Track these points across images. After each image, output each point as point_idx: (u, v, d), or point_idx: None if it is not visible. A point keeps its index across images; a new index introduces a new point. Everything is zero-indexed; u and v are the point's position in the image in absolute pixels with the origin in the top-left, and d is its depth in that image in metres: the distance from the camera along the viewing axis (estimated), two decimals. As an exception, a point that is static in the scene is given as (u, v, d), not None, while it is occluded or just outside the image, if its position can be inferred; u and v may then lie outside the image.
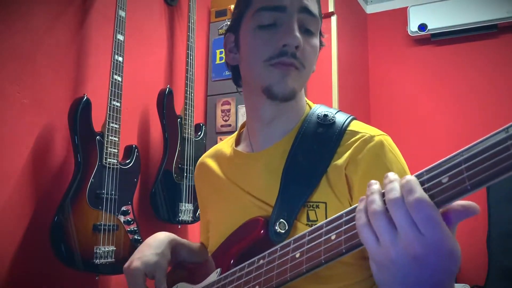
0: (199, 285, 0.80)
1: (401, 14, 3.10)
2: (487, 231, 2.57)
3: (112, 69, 1.51)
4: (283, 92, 0.76)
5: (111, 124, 1.49)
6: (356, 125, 0.79)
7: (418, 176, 0.48)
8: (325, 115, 0.80)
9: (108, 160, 1.48)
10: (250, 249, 0.71)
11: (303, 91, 0.86)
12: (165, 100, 1.80)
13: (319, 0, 0.83)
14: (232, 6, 1.88)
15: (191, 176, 1.85)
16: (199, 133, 1.97)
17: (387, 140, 0.76)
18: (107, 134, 1.48)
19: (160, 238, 0.88)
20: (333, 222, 0.56)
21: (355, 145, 0.75)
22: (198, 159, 1.04)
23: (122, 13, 1.58)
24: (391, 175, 0.49)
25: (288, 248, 0.61)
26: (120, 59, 1.54)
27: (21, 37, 1.41)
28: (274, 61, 0.75)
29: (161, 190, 1.76)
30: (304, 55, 0.77)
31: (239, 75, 0.87)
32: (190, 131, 1.89)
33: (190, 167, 1.86)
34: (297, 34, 0.74)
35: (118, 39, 1.54)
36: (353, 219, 0.52)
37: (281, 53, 0.75)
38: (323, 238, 0.56)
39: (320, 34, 0.84)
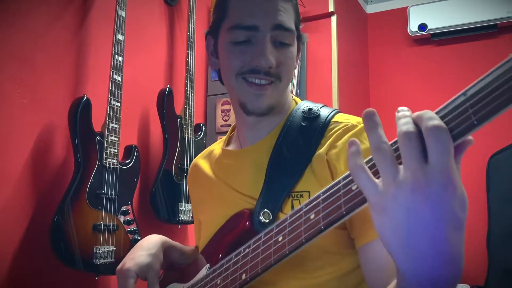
0: (189, 283, 0.80)
1: (401, 14, 3.10)
2: (487, 231, 2.57)
3: (112, 69, 1.51)
4: (259, 111, 0.79)
5: (111, 124, 1.49)
6: (340, 117, 0.81)
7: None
8: (310, 109, 0.82)
9: (108, 160, 1.48)
10: (237, 242, 0.72)
11: (288, 90, 0.88)
12: (165, 100, 1.80)
13: (296, 8, 0.82)
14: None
15: (191, 176, 1.86)
16: (199, 133, 1.97)
17: None
18: (107, 134, 1.48)
19: (153, 240, 0.89)
20: (311, 203, 0.57)
21: (336, 133, 0.76)
22: (198, 159, 1.05)
23: (122, 13, 1.58)
24: (404, 110, 0.46)
25: (271, 234, 0.63)
26: (120, 59, 1.54)
27: (21, 37, 1.41)
28: (246, 75, 0.77)
29: (161, 190, 1.76)
30: (280, 68, 0.78)
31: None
32: (190, 131, 1.89)
33: (190, 167, 1.86)
34: (269, 56, 0.75)
35: (118, 39, 1.54)
36: (329, 197, 0.53)
37: (253, 70, 0.76)
38: (303, 218, 0.57)
39: (299, 38, 0.84)
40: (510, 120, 2.88)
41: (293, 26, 0.79)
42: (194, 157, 1.87)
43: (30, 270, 1.37)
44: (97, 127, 1.48)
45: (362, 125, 0.76)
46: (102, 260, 1.41)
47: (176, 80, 2.08)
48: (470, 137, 0.43)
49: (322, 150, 0.76)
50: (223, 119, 2.24)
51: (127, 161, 1.60)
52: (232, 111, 2.22)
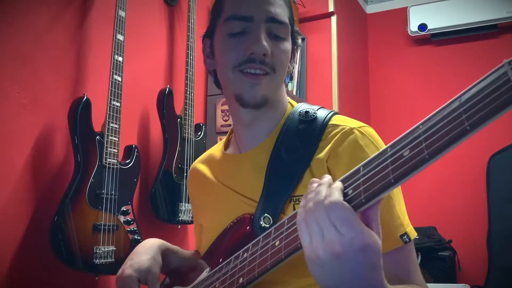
0: (189, 286, 0.80)
1: (401, 14, 3.10)
2: (487, 231, 2.57)
3: (112, 69, 1.51)
4: (254, 101, 0.79)
5: (111, 124, 1.49)
6: (338, 119, 0.81)
7: (382, 153, 0.51)
8: (307, 112, 0.82)
9: (108, 160, 1.48)
10: (238, 246, 0.73)
11: (284, 90, 0.88)
12: (165, 100, 1.80)
13: (290, 6, 0.84)
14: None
15: (191, 176, 1.86)
16: (199, 133, 1.97)
17: (368, 131, 0.77)
18: (107, 134, 1.48)
19: (150, 244, 0.89)
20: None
21: (335, 138, 0.76)
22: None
23: (122, 13, 1.58)
24: (324, 178, 0.55)
25: (269, 238, 0.63)
26: (120, 59, 1.54)
27: (21, 37, 1.41)
28: (242, 66, 0.78)
29: (161, 190, 1.76)
30: (274, 60, 0.79)
31: (219, 79, 0.89)
32: (190, 131, 1.89)
33: (190, 167, 1.86)
34: (264, 42, 0.76)
35: (118, 39, 1.54)
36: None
37: (249, 59, 0.77)
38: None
39: (293, 36, 0.85)
40: (510, 121, 2.88)
41: (287, 20, 0.80)
42: (194, 157, 1.88)
43: (30, 270, 1.37)
44: (97, 127, 1.48)
45: (359, 129, 0.77)
46: (102, 260, 1.41)
47: (176, 80, 2.08)
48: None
49: (322, 155, 0.76)
50: (223, 119, 2.24)
51: (127, 161, 1.60)
52: (232, 111, 2.22)
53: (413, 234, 0.74)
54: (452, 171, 2.80)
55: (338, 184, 0.52)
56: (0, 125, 1.33)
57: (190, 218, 1.85)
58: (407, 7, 2.99)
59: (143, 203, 1.78)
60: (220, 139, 2.22)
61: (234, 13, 0.79)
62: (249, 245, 0.67)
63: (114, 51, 1.52)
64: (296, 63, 2.45)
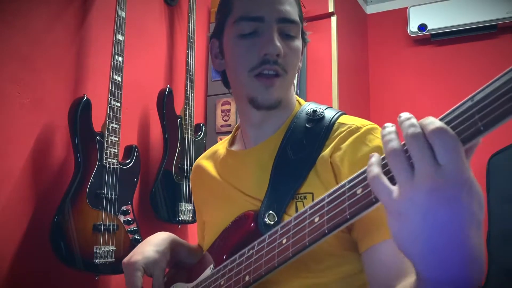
0: (194, 283, 0.80)
1: (401, 14, 3.10)
2: (487, 231, 2.57)
3: (112, 69, 1.51)
4: (268, 103, 0.79)
5: (111, 124, 1.49)
6: (345, 119, 0.81)
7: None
8: (314, 111, 0.82)
9: (108, 160, 1.48)
10: (242, 243, 0.72)
11: (292, 89, 0.88)
12: (165, 100, 1.80)
13: (299, 3, 0.84)
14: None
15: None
16: (199, 133, 1.97)
17: (375, 129, 0.77)
18: (107, 134, 1.48)
19: (162, 237, 0.89)
20: (316, 205, 0.57)
21: (341, 135, 0.76)
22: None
23: (122, 13, 1.58)
24: (406, 114, 0.46)
25: (275, 236, 0.63)
26: (120, 59, 1.54)
27: (21, 37, 1.41)
28: (257, 70, 0.77)
29: (161, 190, 1.76)
30: (286, 60, 0.78)
31: (227, 79, 0.89)
32: (190, 131, 1.89)
33: (190, 167, 1.86)
34: (277, 43, 0.76)
35: (118, 39, 1.55)
36: (334, 200, 0.53)
37: (263, 61, 0.77)
38: (307, 221, 0.57)
39: (303, 33, 0.85)
40: (510, 121, 2.87)
41: (298, 19, 0.81)
42: (194, 157, 1.88)
43: (30, 270, 1.37)
44: (97, 127, 1.48)
45: (367, 127, 0.76)
46: (102, 260, 1.41)
47: (176, 80, 2.08)
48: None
49: (326, 152, 0.75)
50: (223, 119, 2.24)
51: (127, 161, 1.60)
52: (232, 111, 2.22)
53: None
54: (452, 171, 2.78)
55: (432, 118, 0.44)
56: (0, 125, 1.33)
57: (190, 218, 1.85)
58: (407, 7, 2.99)
59: (143, 203, 1.78)
60: (220, 139, 2.22)
61: (244, 13, 0.78)
62: (254, 243, 0.67)
63: (114, 51, 1.52)
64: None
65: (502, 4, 2.72)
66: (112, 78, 1.51)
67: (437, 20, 2.91)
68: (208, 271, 0.78)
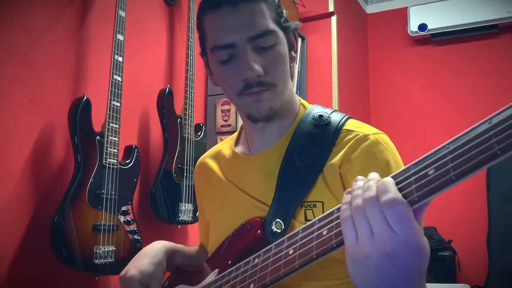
0: (197, 286, 0.80)
1: (401, 14, 3.10)
2: (487, 231, 2.57)
3: (112, 69, 1.51)
4: (262, 115, 0.78)
5: (111, 124, 1.49)
6: (352, 124, 0.80)
7: (405, 170, 0.49)
8: (320, 116, 0.81)
9: (108, 160, 1.48)
10: (248, 250, 0.72)
11: (292, 91, 0.87)
12: (165, 100, 1.80)
13: (272, 2, 0.79)
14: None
15: (191, 176, 1.85)
16: (199, 133, 1.97)
17: (383, 138, 0.76)
18: (107, 134, 1.48)
19: (157, 248, 0.89)
20: (325, 218, 0.57)
21: (349, 144, 0.75)
22: (198, 159, 1.04)
23: (122, 13, 1.58)
24: (371, 175, 0.52)
25: (282, 246, 0.62)
26: (120, 59, 1.54)
27: (21, 36, 1.41)
28: (244, 92, 0.77)
29: (161, 190, 1.76)
30: (270, 75, 0.77)
31: None
32: (190, 131, 1.89)
33: (190, 167, 1.86)
34: (253, 65, 0.74)
35: (118, 39, 1.54)
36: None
37: (247, 86, 0.76)
38: (315, 233, 0.57)
39: (284, 28, 0.81)
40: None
41: (270, 27, 0.77)
42: (194, 157, 1.88)
43: (30, 270, 1.37)
44: (97, 127, 1.48)
45: (374, 137, 0.76)
46: (102, 260, 1.41)
47: (176, 80, 2.08)
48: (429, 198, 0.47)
49: (335, 160, 0.75)
50: (223, 119, 2.24)
51: (127, 161, 1.60)
52: (232, 111, 2.23)
53: None
54: (452, 171, 2.78)
55: (389, 179, 0.49)
56: (0, 125, 1.33)
57: (190, 218, 1.85)
58: (407, 7, 2.99)
59: (143, 203, 1.78)
60: (220, 139, 2.22)
61: (216, 43, 0.77)
62: (260, 252, 0.66)
63: (114, 51, 1.52)
64: (297, 63, 2.45)
65: (502, 4, 2.72)
66: (112, 78, 1.51)
67: (437, 20, 2.91)
68: (212, 276, 0.78)
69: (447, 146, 0.45)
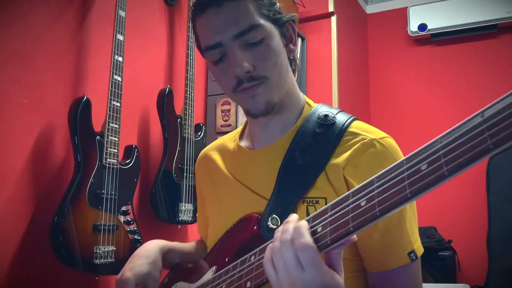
0: (195, 284, 0.80)
1: (401, 14, 3.10)
2: (487, 231, 2.57)
3: (112, 69, 1.51)
4: (259, 110, 0.78)
5: (111, 124, 1.49)
6: (357, 126, 0.79)
7: (398, 165, 0.49)
8: (326, 115, 0.81)
9: (108, 160, 1.48)
10: (244, 246, 0.72)
11: (296, 89, 0.86)
12: (165, 100, 1.80)
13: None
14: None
15: (191, 176, 1.85)
16: (199, 133, 1.97)
17: (389, 143, 0.76)
18: (107, 134, 1.48)
19: (151, 247, 0.89)
20: (320, 216, 0.57)
21: (354, 147, 0.75)
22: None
23: (122, 13, 1.58)
24: (290, 217, 0.58)
25: None
26: (120, 59, 1.54)
27: (21, 36, 1.41)
28: (238, 89, 0.78)
29: (161, 190, 1.76)
30: (261, 69, 0.77)
31: None
32: (190, 131, 1.89)
33: (190, 167, 1.86)
34: (241, 62, 0.75)
35: (118, 39, 1.55)
36: (338, 211, 0.55)
37: (239, 82, 0.77)
38: (310, 231, 0.57)
39: (276, 20, 0.80)
40: (510, 120, 2.87)
41: (256, 21, 0.76)
42: (194, 157, 1.88)
43: (30, 270, 1.37)
44: (97, 127, 1.48)
45: (380, 142, 0.75)
46: (102, 260, 1.41)
47: (176, 80, 2.08)
48: (354, 237, 0.53)
49: (338, 161, 0.74)
50: (223, 119, 2.24)
51: (127, 161, 1.60)
52: (232, 111, 2.23)
53: (420, 251, 0.74)
54: (452, 171, 2.78)
55: (304, 224, 0.55)
56: (0, 125, 1.33)
57: (190, 218, 1.85)
58: (407, 7, 2.99)
59: (143, 203, 1.78)
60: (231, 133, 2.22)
61: (205, 44, 0.79)
62: (256, 250, 0.67)
63: (114, 51, 1.52)
64: (298, 57, 2.45)
65: (502, 4, 2.72)
66: (112, 78, 1.51)
67: (437, 20, 2.91)
68: (210, 274, 0.78)
69: (440, 140, 0.45)
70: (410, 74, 3.06)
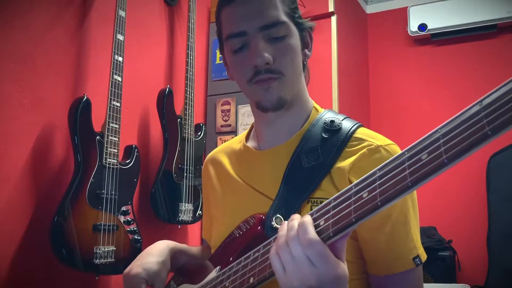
0: (199, 284, 0.80)
1: (401, 14, 3.10)
2: (487, 231, 2.57)
3: (112, 69, 1.51)
4: (271, 103, 0.80)
5: (111, 124, 1.49)
6: (363, 133, 0.80)
7: (399, 156, 0.50)
8: (332, 121, 0.82)
9: (108, 160, 1.48)
10: (249, 246, 0.73)
11: (305, 91, 0.87)
12: (165, 100, 1.80)
13: None
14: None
15: (191, 176, 1.85)
16: (199, 133, 1.97)
17: (394, 150, 0.77)
18: (107, 134, 1.48)
19: (162, 247, 0.89)
20: (321, 209, 0.57)
21: (360, 152, 0.76)
22: (198, 159, 1.04)
23: (122, 13, 1.58)
24: (294, 216, 0.58)
25: None
26: (120, 59, 1.54)
27: (21, 37, 1.41)
28: (254, 80, 0.80)
29: (161, 190, 1.76)
30: (279, 64, 0.79)
31: None
32: (190, 131, 1.89)
33: (190, 167, 1.86)
34: (263, 53, 0.77)
35: (118, 39, 1.54)
36: (340, 203, 0.55)
37: (256, 73, 0.79)
38: (314, 224, 0.57)
39: (298, 24, 0.83)
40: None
41: (282, 18, 0.79)
42: (194, 157, 1.88)
43: (30, 270, 1.37)
44: (97, 127, 1.48)
45: (386, 148, 0.76)
46: (102, 260, 1.41)
47: (176, 80, 2.08)
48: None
49: (344, 165, 0.75)
50: (223, 119, 2.24)
51: (127, 161, 1.60)
52: (232, 111, 2.23)
53: (424, 257, 0.75)
54: (452, 171, 2.79)
55: (308, 219, 0.56)
56: (0, 125, 1.33)
57: (190, 218, 1.85)
58: (407, 7, 2.98)
59: (143, 203, 1.78)
60: (220, 139, 2.22)
61: (229, 32, 0.81)
62: (260, 246, 0.67)
63: (114, 51, 1.52)
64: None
65: (502, 4, 2.72)
66: (112, 78, 1.51)
67: (437, 20, 2.91)
68: (214, 273, 0.79)
69: (439, 130, 0.46)
70: (410, 74, 3.06)
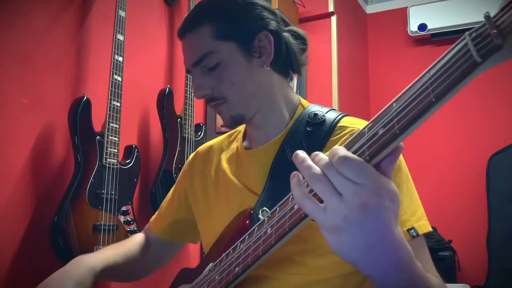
0: (194, 282, 0.82)
1: (401, 14, 3.10)
2: (487, 231, 2.57)
3: (112, 69, 1.51)
4: (226, 123, 0.86)
5: (111, 124, 1.49)
6: (347, 121, 0.82)
7: (361, 134, 0.51)
8: (315, 114, 0.84)
9: (108, 160, 1.48)
10: (237, 240, 0.74)
11: (286, 94, 0.88)
12: (165, 100, 1.80)
13: (214, 19, 0.82)
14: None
15: (191, 176, 1.85)
16: (199, 133, 1.97)
17: None
18: (107, 134, 1.48)
19: (80, 272, 0.88)
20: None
21: (343, 138, 0.78)
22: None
23: (122, 13, 1.58)
24: (315, 153, 0.51)
25: (262, 227, 0.65)
26: (120, 59, 1.54)
27: (21, 37, 1.41)
28: (209, 105, 0.88)
29: (161, 190, 1.76)
30: (218, 92, 0.83)
31: None
32: (190, 131, 1.89)
33: (190, 167, 1.86)
34: (198, 89, 0.84)
35: (118, 39, 1.55)
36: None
37: (206, 100, 0.86)
38: (288, 208, 0.59)
39: (236, 35, 0.82)
40: (510, 121, 2.88)
41: (208, 48, 0.82)
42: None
43: (30, 270, 1.37)
44: (97, 127, 1.48)
45: None
46: (102, 260, 1.41)
47: (176, 80, 2.08)
48: (400, 144, 0.47)
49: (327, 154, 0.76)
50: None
51: (127, 161, 1.60)
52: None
53: (423, 229, 0.74)
54: (452, 171, 2.80)
55: (338, 146, 0.50)
56: (0, 125, 1.34)
57: (190, 218, 1.85)
58: (407, 7, 2.99)
59: (143, 203, 1.78)
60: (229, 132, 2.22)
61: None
62: (245, 235, 0.70)
63: (114, 51, 1.52)
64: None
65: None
66: (112, 78, 1.51)
67: (437, 20, 2.91)
68: (207, 270, 0.81)
69: (393, 104, 0.48)
70: (410, 74, 3.06)
